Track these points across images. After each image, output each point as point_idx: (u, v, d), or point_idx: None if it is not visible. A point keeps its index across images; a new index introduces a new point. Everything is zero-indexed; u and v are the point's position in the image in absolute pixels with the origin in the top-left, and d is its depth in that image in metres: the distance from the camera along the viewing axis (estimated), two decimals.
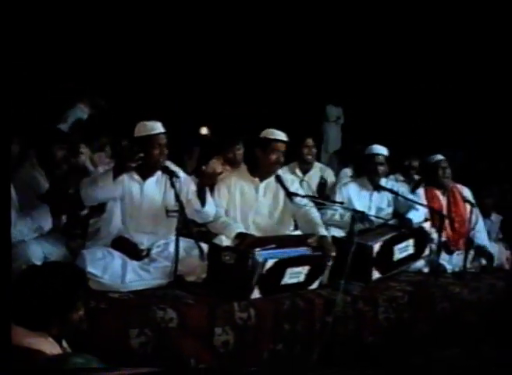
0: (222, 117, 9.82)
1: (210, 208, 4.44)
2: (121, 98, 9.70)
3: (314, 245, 4.48)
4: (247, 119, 9.22)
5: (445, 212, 5.80)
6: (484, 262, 5.94)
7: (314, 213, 4.93)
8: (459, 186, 6.11)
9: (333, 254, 4.54)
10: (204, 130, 9.93)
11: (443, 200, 5.97)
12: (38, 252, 4.04)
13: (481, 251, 5.90)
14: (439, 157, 6.02)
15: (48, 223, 4.13)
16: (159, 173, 4.38)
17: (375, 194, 5.75)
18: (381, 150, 5.76)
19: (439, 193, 5.98)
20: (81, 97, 7.75)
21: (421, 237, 5.37)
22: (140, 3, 9.84)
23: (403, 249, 5.23)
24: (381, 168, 5.69)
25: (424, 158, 6.49)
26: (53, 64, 9.16)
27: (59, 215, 4.34)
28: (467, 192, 6.08)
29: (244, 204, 4.91)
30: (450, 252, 5.78)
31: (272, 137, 4.85)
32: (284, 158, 4.95)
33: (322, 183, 6.18)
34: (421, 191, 6.03)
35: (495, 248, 6.25)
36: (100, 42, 9.65)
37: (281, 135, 4.88)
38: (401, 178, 6.60)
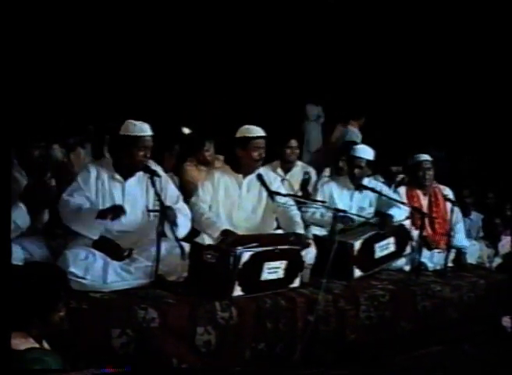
0: (200, 118, 9.81)
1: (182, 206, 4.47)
2: (106, 94, 9.71)
3: (293, 243, 4.48)
4: (227, 119, 9.20)
5: (425, 212, 5.82)
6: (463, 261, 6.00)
7: (294, 211, 4.94)
8: (441, 186, 6.12)
9: (307, 246, 4.56)
10: (186, 130, 9.92)
11: (424, 200, 5.99)
12: (18, 253, 4.01)
13: (459, 254, 5.95)
14: (423, 158, 5.99)
15: (25, 222, 4.10)
16: (140, 172, 4.37)
17: (357, 193, 5.72)
18: (364, 154, 5.66)
19: (420, 193, 5.99)
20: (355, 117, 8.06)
21: (402, 235, 5.40)
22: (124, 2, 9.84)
23: (384, 247, 5.27)
24: (357, 171, 5.63)
25: (406, 159, 6.51)
26: None
27: (38, 211, 4.32)
28: (448, 192, 6.10)
29: (228, 199, 4.91)
30: (430, 248, 5.80)
31: (250, 134, 4.85)
32: (265, 155, 4.96)
33: (305, 180, 6.20)
34: (402, 189, 6.05)
35: (476, 247, 6.29)
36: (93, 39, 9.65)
37: (258, 131, 4.88)
38: (381, 179, 6.59)
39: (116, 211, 4.15)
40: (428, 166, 5.96)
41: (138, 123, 4.33)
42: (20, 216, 4.03)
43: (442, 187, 6.13)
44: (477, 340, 5.23)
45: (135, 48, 10.11)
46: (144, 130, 4.31)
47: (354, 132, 8.11)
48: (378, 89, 11.11)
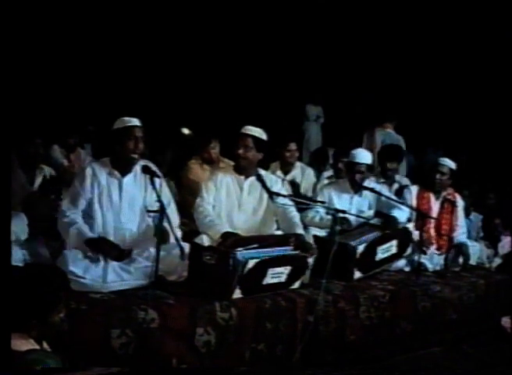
0: (201, 118, 9.81)
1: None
2: (106, 95, 9.71)
3: (294, 245, 4.48)
4: (229, 120, 9.21)
5: (435, 216, 5.83)
6: (461, 260, 5.98)
7: (293, 212, 4.94)
8: (457, 195, 6.12)
9: (314, 254, 4.53)
10: (185, 131, 9.93)
11: (436, 204, 5.97)
12: (18, 254, 4.01)
13: (461, 249, 5.94)
14: (444, 162, 5.98)
15: (24, 232, 4.10)
16: (138, 170, 4.40)
17: (356, 197, 5.72)
18: (363, 158, 5.63)
19: (432, 196, 5.98)
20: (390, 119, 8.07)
21: (405, 238, 5.39)
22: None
23: (386, 249, 5.27)
24: (358, 176, 5.61)
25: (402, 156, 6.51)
26: None
27: (40, 222, 4.34)
28: (459, 199, 6.11)
29: (229, 200, 4.91)
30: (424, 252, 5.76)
31: (242, 131, 4.87)
32: (265, 156, 4.96)
33: (296, 185, 6.25)
34: (414, 188, 6.03)
35: (475, 247, 6.29)
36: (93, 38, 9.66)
37: (249, 130, 4.86)
38: (382, 180, 6.58)
39: (104, 246, 4.15)
40: (444, 172, 5.94)
41: (127, 117, 4.41)
42: (19, 226, 4.03)
43: (458, 196, 6.13)
44: (477, 340, 5.23)
45: (136, 49, 10.10)
46: (133, 121, 4.38)
47: (395, 135, 8.12)
48: (379, 87, 11.13)
